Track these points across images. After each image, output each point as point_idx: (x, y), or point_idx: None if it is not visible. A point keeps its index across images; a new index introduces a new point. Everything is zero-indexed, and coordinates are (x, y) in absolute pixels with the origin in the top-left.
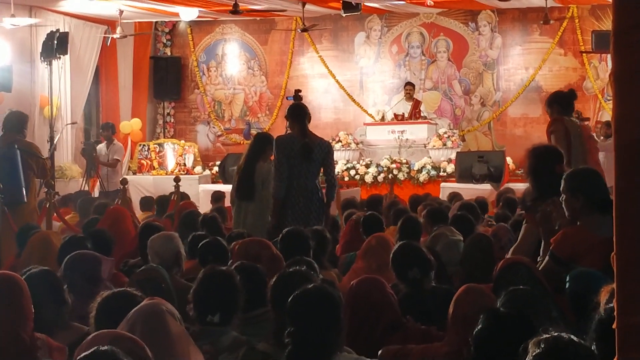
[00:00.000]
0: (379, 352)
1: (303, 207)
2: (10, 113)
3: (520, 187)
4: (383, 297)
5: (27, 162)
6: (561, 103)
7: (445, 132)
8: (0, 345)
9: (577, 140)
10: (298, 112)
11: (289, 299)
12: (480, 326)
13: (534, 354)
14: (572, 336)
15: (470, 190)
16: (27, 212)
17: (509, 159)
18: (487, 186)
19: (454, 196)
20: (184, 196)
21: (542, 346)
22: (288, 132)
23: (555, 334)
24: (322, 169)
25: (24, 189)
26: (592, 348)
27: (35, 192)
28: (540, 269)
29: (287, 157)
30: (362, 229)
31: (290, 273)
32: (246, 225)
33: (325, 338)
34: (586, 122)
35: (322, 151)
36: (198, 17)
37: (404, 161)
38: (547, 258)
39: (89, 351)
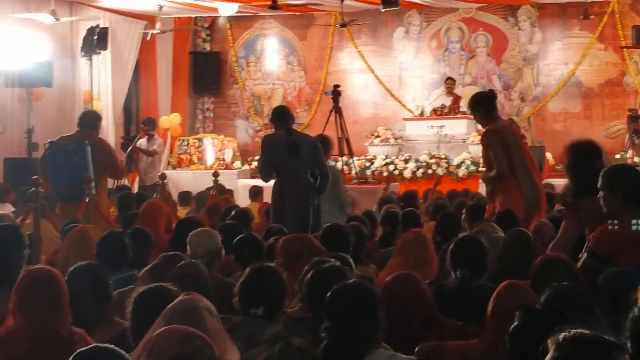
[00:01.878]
0: (416, 349)
1: (298, 201)
2: (85, 111)
3: (560, 182)
4: (418, 293)
5: (98, 158)
6: (484, 106)
7: None
8: (38, 340)
9: (515, 146)
10: (281, 114)
11: (327, 294)
12: (515, 323)
13: (554, 353)
14: (600, 334)
15: None
16: (101, 209)
17: (548, 155)
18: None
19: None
20: (225, 191)
21: (562, 345)
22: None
23: (577, 331)
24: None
25: (92, 182)
26: (627, 346)
27: (106, 189)
28: (579, 265)
29: (274, 155)
30: (400, 224)
31: (325, 269)
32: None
33: (362, 334)
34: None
35: (309, 147)
36: (237, 12)
37: (443, 156)
38: (585, 255)
39: (87, 347)
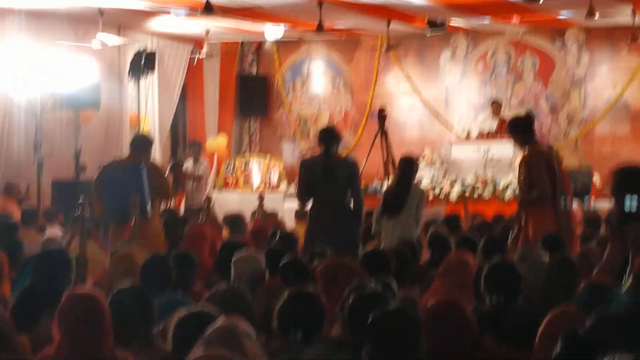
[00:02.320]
0: None
1: (332, 224)
2: (137, 135)
3: (607, 206)
4: (461, 319)
5: (151, 181)
6: (522, 130)
7: None
8: None
9: (557, 168)
10: (322, 135)
11: (369, 319)
12: (557, 349)
13: None
14: None
15: None
16: (152, 231)
17: (595, 178)
18: (574, 205)
19: None
20: (268, 215)
21: None
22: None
23: (624, 357)
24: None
25: (147, 205)
26: None
27: (159, 211)
28: (624, 290)
29: (310, 178)
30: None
31: (366, 294)
32: (394, 238)
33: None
34: None
35: (345, 171)
36: (283, 36)
37: (490, 179)
38: (631, 279)
39: None
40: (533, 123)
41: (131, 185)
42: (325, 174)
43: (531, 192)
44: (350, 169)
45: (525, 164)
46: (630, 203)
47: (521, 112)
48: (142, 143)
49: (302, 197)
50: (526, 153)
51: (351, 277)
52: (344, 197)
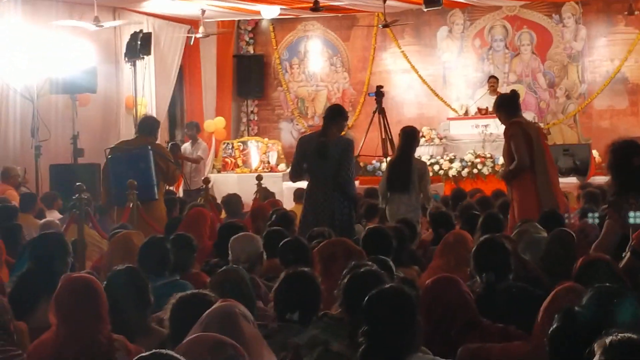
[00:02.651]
0: (458, 350)
1: (323, 204)
2: (144, 118)
3: (605, 180)
4: (459, 296)
5: (158, 164)
6: (506, 107)
7: None
8: (78, 348)
9: (537, 141)
10: (325, 113)
11: (365, 299)
12: (555, 325)
13: (600, 357)
14: None
15: None
16: (159, 213)
17: (595, 152)
18: (573, 179)
19: None
20: (269, 194)
21: (609, 349)
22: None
23: (625, 335)
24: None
25: (155, 187)
26: None
27: (163, 194)
28: (621, 265)
29: (304, 155)
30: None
31: (362, 273)
32: (399, 215)
33: (400, 338)
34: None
35: (338, 149)
36: (279, 15)
37: (489, 155)
38: (628, 254)
39: (148, 353)
40: (516, 100)
41: (139, 167)
42: (319, 151)
43: (510, 165)
44: (342, 146)
45: (505, 137)
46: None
47: (518, 87)
48: (149, 124)
49: (292, 175)
50: (506, 127)
51: (349, 256)
52: (337, 176)
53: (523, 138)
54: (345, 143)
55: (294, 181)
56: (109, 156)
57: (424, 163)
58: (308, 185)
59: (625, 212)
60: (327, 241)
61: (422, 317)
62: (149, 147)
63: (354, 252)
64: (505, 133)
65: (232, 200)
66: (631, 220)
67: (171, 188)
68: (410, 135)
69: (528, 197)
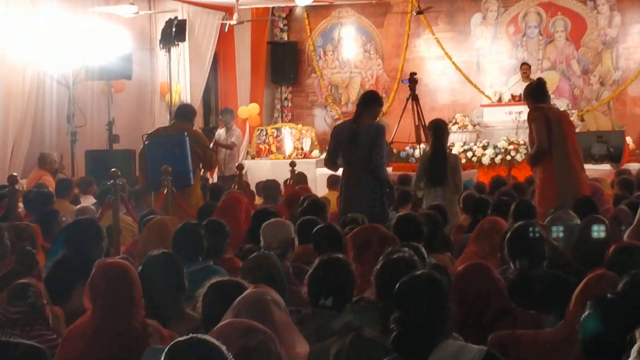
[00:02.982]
0: (489, 338)
1: (354, 190)
2: (181, 104)
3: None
4: (490, 283)
5: (194, 150)
6: (533, 95)
7: None
8: (111, 332)
9: (557, 126)
10: (360, 100)
11: (396, 285)
12: (587, 312)
13: None
14: None
15: (589, 171)
16: (195, 199)
17: (628, 139)
18: (606, 166)
19: None
20: (301, 179)
21: None
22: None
23: None
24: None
25: (191, 173)
26: None
27: (199, 179)
28: None
29: (337, 143)
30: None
31: (395, 259)
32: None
33: (431, 325)
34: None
35: (368, 135)
36: (313, 1)
37: (522, 142)
38: None
39: (185, 337)
40: (542, 87)
41: (175, 153)
42: (350, 139)
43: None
44: (374, 132)
45: (528, 122)
46: None
47: (552, 74)
48: (185, 111)
49: (328, 162)
50: (529, 113)
51: (383, 243)
52: (369, 162)
53: (544, 123)
54: (376, 129)
55: (330, 169)
56: (146, 142)
57: (456, 156)
58: (343, 172)
59: None
60: (360, 227)
61: (454, 303)
62: (185, 134)
63: (387, 238)
64: (528, 118)
65: (271, 186)
66: None
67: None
68: (440, 128)
69: (547, 183)
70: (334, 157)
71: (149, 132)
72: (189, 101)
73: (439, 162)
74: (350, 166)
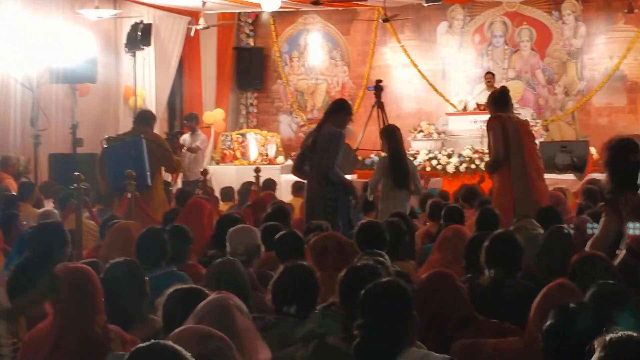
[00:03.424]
0: (452, 346)
1: (313, 194)
2: (141, 110)
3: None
4: (454, 291)
5: (153, 152)
6: (495, 103)
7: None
8: (73, 338)
9: (514, 135)
10: (328, 107)
11: (361, 292)
12: (550, 321)
13: (600, 354)
14: None
15: (553, 181)
16: (157, 202)
17: (592, 149)
18: (570, 176)
19: None
20: (269, 186)
21: (609, 346)
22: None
23: (625, 333)
24: None
25: (148, 174)
26: None
27: (161, 182)
28: (617, 262)
29: (302, 149)
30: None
31: (359, 267)
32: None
33: (395, 332)
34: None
35: (325, 139)
36: (280, 7)
37: (486, 151)
38: (624, 251)
39: (147, 343)
40: (505, 96)
41: (131, 155)
42: (311, 144)
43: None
44: (328, 136)
45: (487, 131)
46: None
47: (517, 83)
48: (143, 116)
49: (293, 169)
50: (487, 121)
51: (340, 250)
52: (320, 164)
53: (501, 131)
54: (332, 132)
55: (297, 176)
56: (105, 146)
57: (410, 160)
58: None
59: (622, 209)
60: (319, 235)
61: (417, 311)
62: (142, 136)
63: (345, 245)
64: (487, 127)
65: (245, 189)
66: (630, 228)
67: (168, 179)
68: (393, 133)
69: (504, 191)
70: (298, 163)
71: (108, 137)
72: (153, 105)
73: (401, 163)
74: (311, 171)
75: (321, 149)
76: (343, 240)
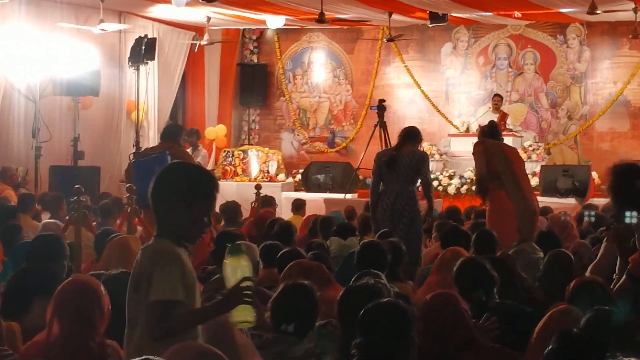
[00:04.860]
0: None
1: (388, 206)
2: (167, 124)
3: (605, 203)
4: (456, 313)
5: None
6: (483, 135)
7: (530, 145)
8: (67, 351)
9: (499, 156)
10: (402, 133)
11: (361, 312)
12: (552, 346)
13: None
14: None
15: (554, 205)
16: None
17: (594, 174)
18: (571, 200)
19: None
20: (268, 203)
21: None
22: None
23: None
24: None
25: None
26: None
27: None
28: (615, 288)
29: (378, 167)
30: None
31: (358, 287)
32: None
33: (393, 352)
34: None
35: (411, 160)
36: (285, 24)
37: None
38: (623, 277)
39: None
40: (494, 129)
41: (156, 171)
42: (388, 163)
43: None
44: (416, 159)
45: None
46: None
47: (520, 106)
48: (169, 130)
49: (371, 191)
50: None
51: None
52: (405, 183)
53: (483, 155)
54: (419, 156)
55: (372, 199)
56: (132, 161)
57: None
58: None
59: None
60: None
61: (418, 333)
62: (167, 151)
63: (309, 269)
64: (472, 153)
65: (231, 208)
66: (626, 217)
67: None
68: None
69: (503, 208)
70: (375, 184)
71: (135, 152)
72: (156, 120)
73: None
74: (387, 186)
75: (405, 167)
76: (307, 266)
